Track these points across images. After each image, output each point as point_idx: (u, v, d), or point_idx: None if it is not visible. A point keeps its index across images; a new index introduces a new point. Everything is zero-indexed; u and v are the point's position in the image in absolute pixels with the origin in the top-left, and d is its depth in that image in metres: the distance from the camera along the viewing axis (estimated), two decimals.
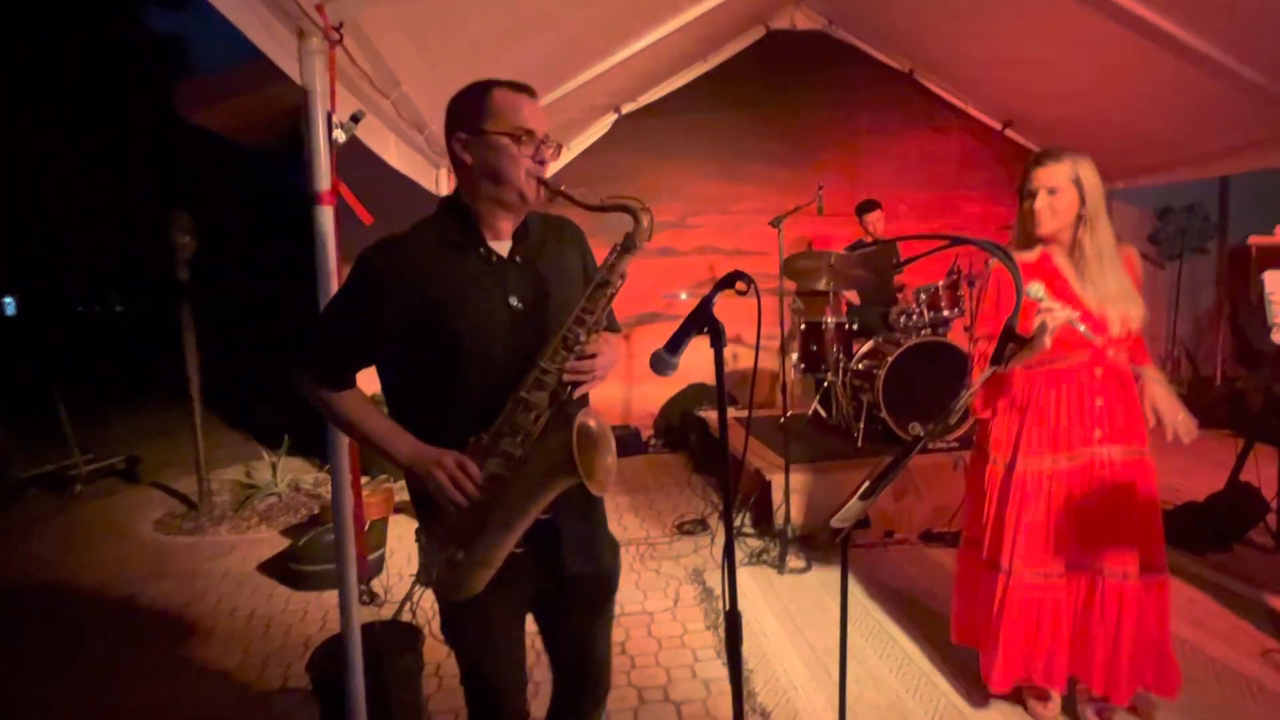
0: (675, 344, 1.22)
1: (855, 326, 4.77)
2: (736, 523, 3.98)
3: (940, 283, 4.44)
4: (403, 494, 4.17)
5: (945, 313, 4.41)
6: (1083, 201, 1.98)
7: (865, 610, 3.05)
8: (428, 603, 3.03)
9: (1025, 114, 6.10)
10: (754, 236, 5.89)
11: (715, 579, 3.41)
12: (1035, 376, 2.05)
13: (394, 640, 2.24)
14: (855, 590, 3.24)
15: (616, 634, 2.94)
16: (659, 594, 3.30)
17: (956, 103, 6.38)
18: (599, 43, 3.94)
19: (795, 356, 4.89)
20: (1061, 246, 2.05)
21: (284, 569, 3.57)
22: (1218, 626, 2.80)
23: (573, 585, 1.50)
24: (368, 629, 2.14)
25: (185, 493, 5.01)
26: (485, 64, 3.11)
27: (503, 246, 1.42)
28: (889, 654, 2.70)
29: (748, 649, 2.78)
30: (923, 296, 4.43)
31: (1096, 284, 1.99)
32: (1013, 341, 1.21)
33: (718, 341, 1.18)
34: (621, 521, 4.27)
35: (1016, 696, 2.29)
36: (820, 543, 3.71)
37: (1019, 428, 2.09)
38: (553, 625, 1.60)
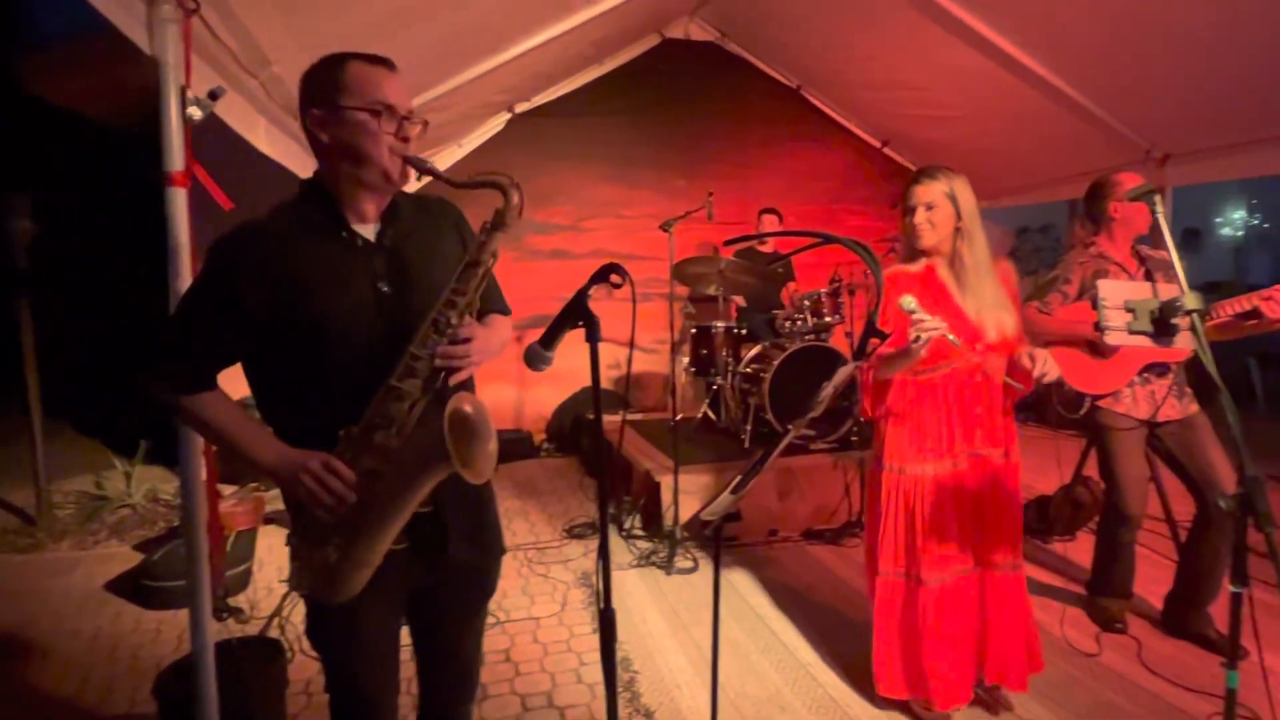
0: (549, 338, 1.20)
1: (743, 331, 4.89)
2: (627, 525, 3.99)
3: (823, 290, 4.63)
4: (275, 503, 3.91)
5: (828, 318, 4.60)
6: (959, 216, 2.09)
7: (749, 606, 3.12)
8: (299, 617, 2.85)
9: (902, 134, 6.48)
10: (647, 241, 5.94)
11: None
12: (922, 385, 2.15)
13: (254, 657, 2.09)
14: (739, 587, 3.30)
15: (501, 642, 2.90)
16: (546, 599, 3.25)
17: (840, 120, 6.69)
18: (488, 38, 3.86)
19: (686, 360, 4.96)
20: (943, 258, 2.16)
21: (135, 586, 3.27)
22: (1058, 609, 3.03)
23: (449, 583, 1.44)
24: (224, 647, 1.99)
25: (22, 506, 4.51)
26: (369, 49, 2.99)
27: (369, 229, 1.35)
28: (770, 648, 2.76)
29: (634, 650, 2.78)
30: (806, 303, 4.60)
31: (976, 293, 2.10)
32: (874, 336, 1.27)
33: (593, 335, 1.16)
34: (511, 527, 4.19)
35: (903, 704, 2.33)
36: (708, 543, 3.77)
37: (909, 434, 2.18)
38: (424, 625, 1.52)
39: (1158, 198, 1.52)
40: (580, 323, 1.17)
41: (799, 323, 4.62)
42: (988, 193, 6.66)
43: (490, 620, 3.03)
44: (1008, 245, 7.14)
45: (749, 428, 4.44)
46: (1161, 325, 1.49)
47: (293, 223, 1.31)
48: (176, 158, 1.74)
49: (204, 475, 1.83)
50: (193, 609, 1.81)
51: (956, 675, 2.15)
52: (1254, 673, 2.49)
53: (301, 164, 3.27)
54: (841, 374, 1.31)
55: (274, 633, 2.77)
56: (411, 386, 1.24)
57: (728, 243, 1.63)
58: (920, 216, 2.09)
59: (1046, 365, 1.95)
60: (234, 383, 1.35)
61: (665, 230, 3.68)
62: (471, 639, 1.57)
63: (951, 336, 1.85)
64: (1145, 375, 2.67)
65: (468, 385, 1.40)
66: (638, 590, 3.30)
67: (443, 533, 1.36)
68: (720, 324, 4.70)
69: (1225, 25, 3.67)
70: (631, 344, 1.28)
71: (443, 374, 1.26)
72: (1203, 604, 2.73)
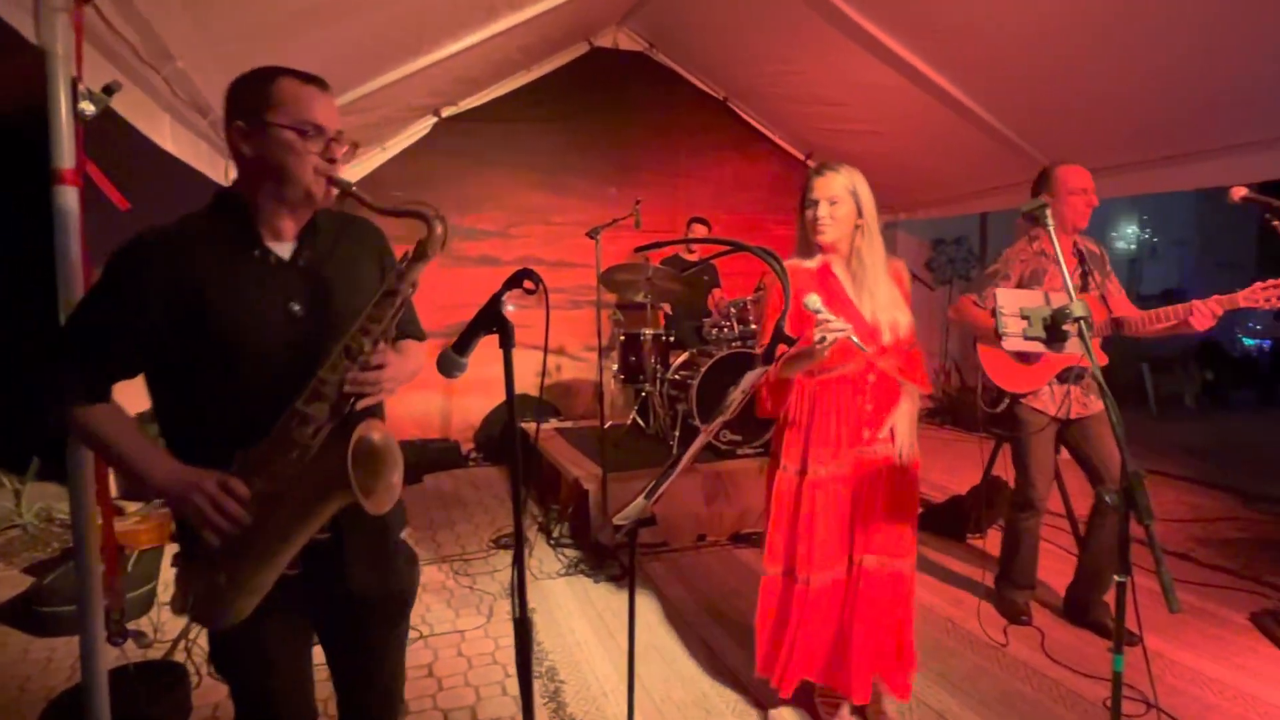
0: (463, 344, 1.18)
1: (672, 338, 4.94)
2: (555, 533, 3.96)
3: (749, 298, 4.72)
4: None
5: (754, 325, 4.69)
6: (860, 212, 2.09)
7: (676, 612, 3.14)
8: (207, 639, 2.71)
9: (824, 147, 6.67)
10: (577, 248, 5.93)
11: (531, 592, 3.35)
12: (817, 384, 2.15)
13: (152, 684, 1.97)
14: (667, 593, 3.32)
15: (424, 656, 2.83)
16: (472, 611, 3.19)
17: (766, 132, 6.85)
18: (410, 40, 3.79)
19: (615, 367, 4.97)
20: (840, 256, 2.14)
21: (25, 612, 3.05)
22: (972, 603, 3.16)
23: (361, 603, 1.40)
24: (119, 674, 1.87)
25: None
26: (282, 47, 2.89)
27: (284, 248, 1.31)
28: (695, 653, 2.78)
29: (560, 660, 2.76)
30: (732, 310, 4.68)
31: (872, 293, 2.09)
32: (782, 342, 1.30)
33: (507, 342, 1.16)
34: (436, 538, 4.10)
35: (808, 702, 2.35)
36: (638, 551, 3.77)
37: (806, 435, 2.17)
38: (339, 647, 1.48)
39: (1048, 212, 1.60)
40: (494, 329, 1.15)
41: (725, 330, 4.69)
42: (905, 205, 6.96)
43: (413, 634, 2.97)
44: (924, 256, 7.44)
45: (677, 434, 4.48)
46: (1053, 331, 1.58)
47: (203, 234, 1.26)
48: (66, 154, 1.64)
49: (94, 491, 1.73)
50: (84, 633, 1.70)
51: (836, 672, 2.16)
52: (1143, 656, 2.65)
53: (211, 163, 3.14)
54: (749, 378, 1.34)
55: (180, 656, 2.63)
56: (318, 411, 1.20)
57: (639, 249, 1.64)
58: (824, 210, 2.06)
59: (906, 450, 2.07)
60: (135, 396, 1.29)
61: (592, 237, 3.69)
62: (391, 656, 1.53)
63: (856, 339, 1.84)
64: (1063, 377, 2.78)
65: (377, 412, 1.37)
66: (565, 599, 3.28)
67: (339, 562, 1.33)
68: (648, 331, 4.73)
69: (1116, 56, 3.94)
70: (545, 350, 1.28)
71: (351, 400, 1.23)
72: (1101, 593, 2.89)
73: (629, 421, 5.03)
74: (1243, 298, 2.27)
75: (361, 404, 1.24)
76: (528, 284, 1.15)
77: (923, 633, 2.87)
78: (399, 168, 5.61)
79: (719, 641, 2.86)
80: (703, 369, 4.30)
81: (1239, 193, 2.12)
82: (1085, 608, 2.92)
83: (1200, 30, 3.54)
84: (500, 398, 5.91)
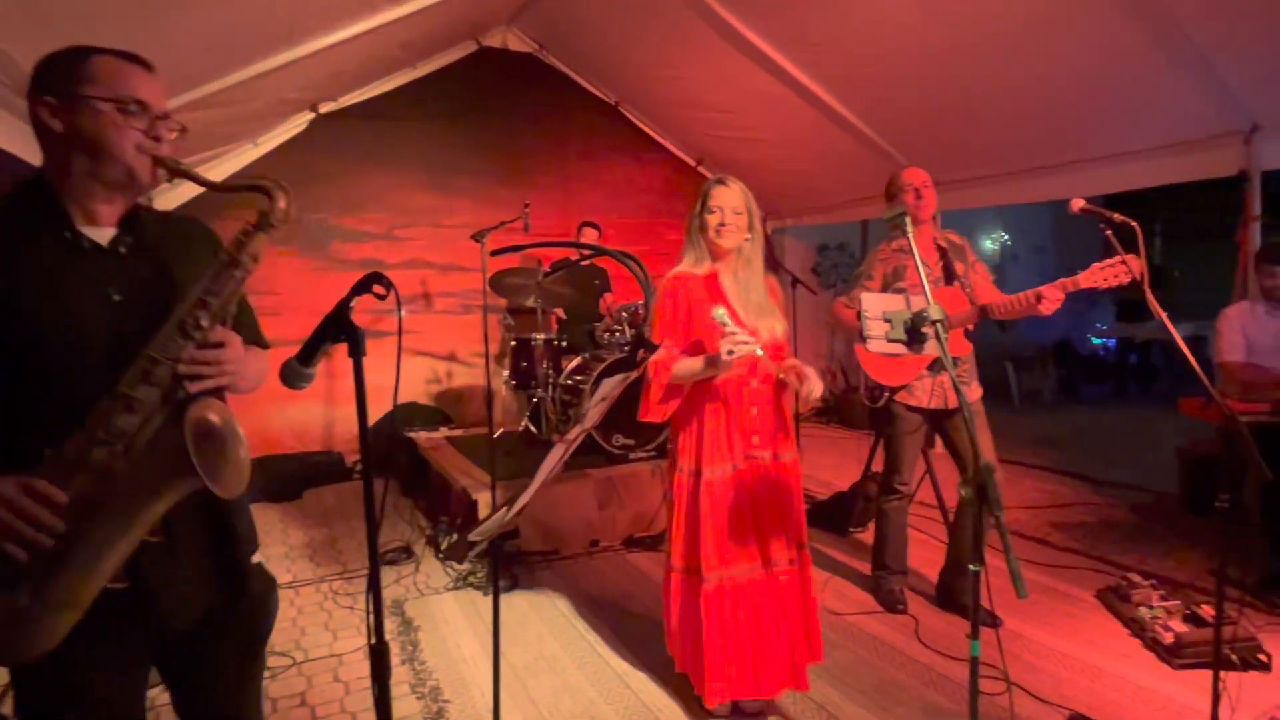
0: (308, 353, 1.10)
1: (564, 343, 4.89)
2: (443, 545, 3.82)
3: (640, 301, 4.73)
4: None
5: (646, 329, 4.70)
6: (751, 226, 2.19)
7: (567, 621, 3.09)
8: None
9: (714, 153, 6.81)
10: (467, 251, 5.76)
11: (417, 608, 3.23)
12: (704, 389, 2.20)
13: None
14: (558, 602, 3.27)
15: (297, 684, 2.66)
16: (352, 632, 3.03)
17: (657, 137, 6.92)
18: (281, 30, 3.57)
19: (506, 373, 4.87)
20: (727, 265, 2.22)
21: None
22: (855, 596, 3.29)
23: (207, 626, 1.26)
24: None
25: None
26: (134, 33, 2.65)
27: (102, 234, 1.19)
28: (586, 662, 2.75)
29: (445, 679, 2.66)
30: (624, 314, 4.68)
31: (754, 302, 2.19)
32: (643, 347, 1.29)
33: (356, 350, 1.08)
34: (315, 557, 3.88)
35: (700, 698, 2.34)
36: (531, 559, 3.71)
37: (698, 438, 2.23)
38: (181, 678, 1.33)
39: (907, 219, 1.67)
40: (343, 337, 1.08)
41: (618, 334, 4.69)
42: (791, 212, 7.19)
43: (285, 661, 2.79)
44: (810, 261, 7.71)
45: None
46: (913, 334, 1.65)
47: (3, 222, 1.13)
48: None
49: None
50: None
51: (736, 671, 2.20)
52: (1005, 636, 2.83)
53: (27, 147, 2.84)
54: (609, 384, 1.32)
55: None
56: (147, 395, 1.08)
57: (494, 253, 1.60)
58: (729, 219, 2.14)
59: (811, 384, 2.09)
60: None
61: (477, 240, 3.59)
62: (246, 691, 1.40)
63: (760, 351, 1.90)
64: (934, 368, 2.92)
65: (218, 396, 1.22)
66: (453, 615, 3.17)
67: (173, 569, 1.20)
68: (540, 336, 4.66)
69: (978, 75, 4.22)
70: (399, 355, 1.20)
71: (184, 384, 1.11)
72: (968, 579, 3.05)
73: (521, 428, 4.94)
74: (1083, 279, 2.43)
75: (196, 387, 1.11)
76: (377, 289, 1.08)
77: None
78: (273, 165, 5.28)
79: (610, 647, 2.84)
80: (595, 373, 4.28)
81: (1078, 204, 2.29)
82: (954, 593, 3.09)
83: (1049, 56, 3.85)
84: (386, 407, 5.70)
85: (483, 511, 3.68)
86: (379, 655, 1.11)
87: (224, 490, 1.08)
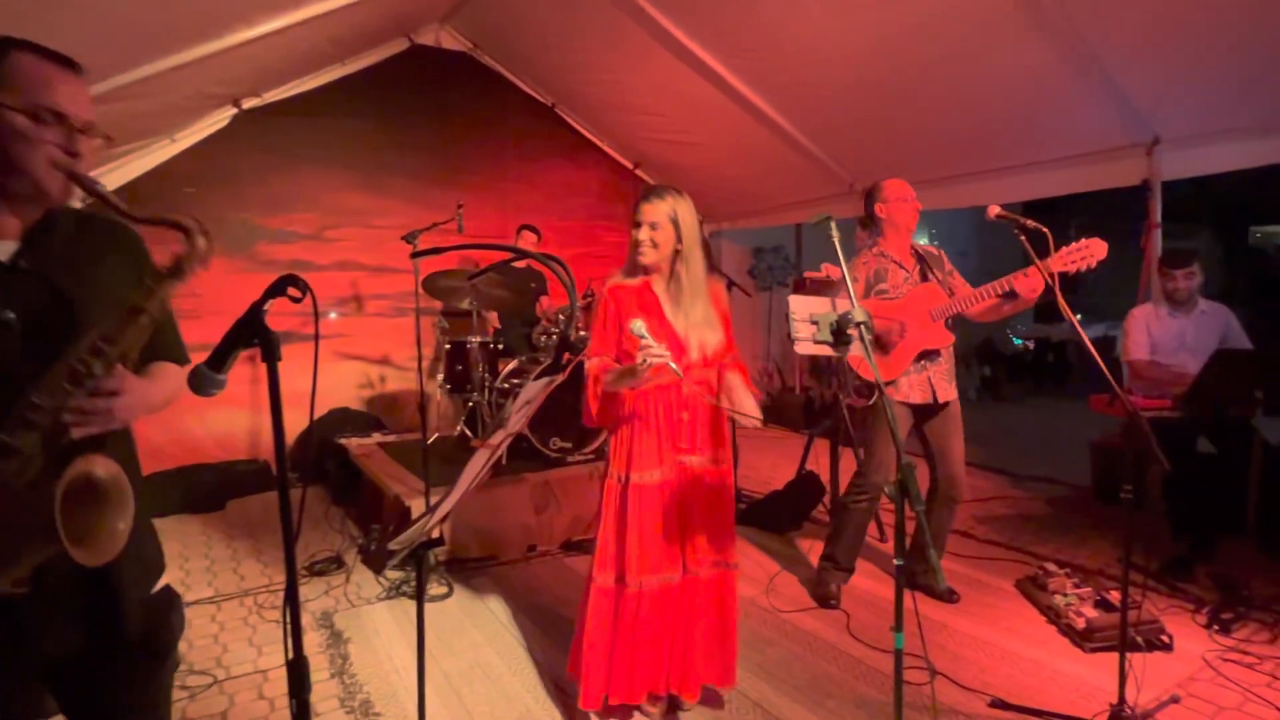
0: (219, 359, 1.05)
1: (500, 346, 4.83)
2: (362, 553, 3.72)
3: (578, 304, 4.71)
4: None
5: (584, 332, 4.69)
6: (679, 238, 2.19)
7: (503, 628, 3.05)
8: None
9: (651, 157, 6.85)
10: (400, 253, 5.61)
11: (347, 620, 3.13)
12: (635, 396, 2.22)
13: None
14: (495, 608, 3.23)
15: (218, 704, 2.55)
16: (277, 647, 2.91)
17: (594, 140, 6.90)
18: (197, 21, 3.42)
19: (441, 377, 4.78)
20: (661, 276, 2.24)
21: None
22: (791, 593, 3.35)
23: (93, 654, 1.19)
24: None
25: None
26: (34, 22, 2.50)
27: (3, 248, 1.11)
28: (520, 669, 2.72)
29: (377, 691, 2.59)
30: (561, 317, 4.66)
31: (686, 313, 2.20)
32: (567, 350, 1.28)
33: (270, 355, 1.04)
34: (239, 570, 3.73)
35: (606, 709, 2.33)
36: (466, 567, 3.65)
37: (629, 443, 2.24)
38: (74, 704, 1.25)
39: (832, 224, 1.72)
40: (255, 341, 1.04)
41: (555, 336, 4.66)
42: (727, 215, 7.29)
43: (205, 679, 2.68)
44: (746, 264, 7.83)
45: (506, 444, 4.38)
46: (839, 335, 1.69)
47: None
48: None
49: None
50: None
51: (654, 674, 2.23)
52: (931, 627, 2.94)
53: None
54: (532, 388, 1.32)
55: None
56: (26, 442, 1.02)
57: (415, 255, 1.57)
58: (644, 234, 2.16)
59: (743, 408, 2.17)
60: None
61: (409, 241, 3.52)
62: (145, 717, 1.33)
63: (674, 365, 1.94)
64: (921, 363, 3.00)
65: (109, 443, 1.15)
66: (385, 625, 3.09)
67: (46, 616, 1.13)
68: (475, 339, 4.59)
69: (907, 90, 4.36)
70: (315, 361, 1.17)
71: (68, 431, 1.05)
72: (924, 564, 3.09)
73: (457, 433, 4.85)
74: (1055, 261, 2.53)
75: (80, 433, 1.06)
76: (293, 291, 1.04)
77: (741, 624, 2.99)
78: (193, 162, 5.07)
79: (545, 653, 2.82)
80: (534, 376, 4.23)
81: (993, 211, 2.40)
82: (913, 575, 3.15)
83: (969, 71, 4.01)
84: (316, 412, 5.54)
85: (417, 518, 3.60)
86: (297, 671, 1.07)
87: (87, 557, 1.01)
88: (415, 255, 1.59)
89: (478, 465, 1.28)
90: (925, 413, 3.08)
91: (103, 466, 1.04)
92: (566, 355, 1.29)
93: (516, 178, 6.59)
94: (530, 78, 6.45)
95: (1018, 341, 10.38)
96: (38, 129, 1.07)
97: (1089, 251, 2.38)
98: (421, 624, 1.41)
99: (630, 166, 7.06)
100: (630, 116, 6.21)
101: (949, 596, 3.19)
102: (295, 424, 5.59)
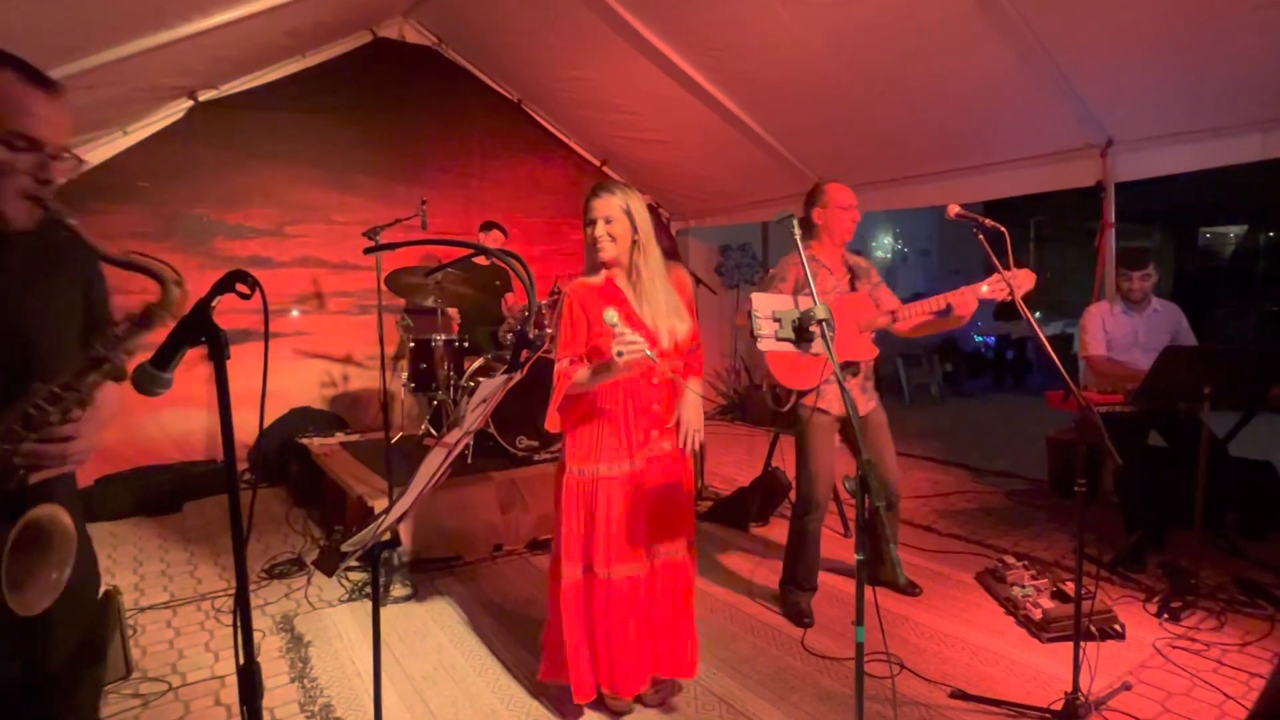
0: (164, 358, 1.02)
1: (465, 344, 4.78)
2: (312, 555, 3.66)
3: (543, 302, 4.68)
4: None
5: (549, 330, 4.66)
6: (635, 229, 2.18)
7: (467, 629, 3.02)
8: None
9: (618, 154, 6.83)
10: (361, 249, 5.56)
11: (308, 623, 3.08)
12: (601, 390, 2.20)
13: None
14: (459, 609, 3.20)
15: (173, 711, 2.49)
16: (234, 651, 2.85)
17: (561, 136, 6.86)
18: (150, 10, 3.32)
19: (405, 375, 4.72)
20: (622, 270, 2.23)
21: None
22: (755, 588, 3.37)
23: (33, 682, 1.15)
24: None
25: None
26: None
27: None
28: (485, 670, 2.69)
29: (338, 695, 2.55)
30: (526, 314, 4.62)
31: (651, 302, 2.20)
32: (525, 348, 1.27)
33: (218, 353, 1.02)
34: (196, 574, 3.64)
35: (597, 700, 2.34)
36: (430, 567, 3.60)
37: (596, 436, 2.22)
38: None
39: (795, 221, 1.73)
40: (203, 339, 1.01)
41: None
42: (695, 213, 7.31)
43: (160, 686, 2.61)
44: (714, 262, 7.86)
45: (471, 443, 4.34)
46: (801, 333, 1.70)
47: None
48: None
49: None
50: None
51: (635, 663, 2.24)
52: (893, 620, 2.98)
53: None
54: (489, 386, 1.30)
55: None
56: None
57: (368, 250, 1.55)
58: (600, 230, 2.15)
59: (693, 437, 2.26)
60: None
61: (370, 238, 3.46)
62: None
63: (650, 353, 1.93)
64: (844, 372, 2.98)
65: (60, 486, 1.12)
66: (348, 627, 3.04)
67: None
68: (440, 337, 4.54)
69: (871, 92, 4.41)
70: (265, 359, 1.14)
71: (20, 474, 1.01)
72: (882, 564, 3.14)
73: (421, 432, 4.80)
74: (985, 284, 2.58)
75: (36, 478, 1.03)
76: (241, 287, 1.01)
77: (708, 620, 3.01)
78: (146, 155, 4.92)
79: (511, 652, 2.80)
80: (498, 375, 4.20)
81: (953, 210, 2.44)
82: (873, 571, 3.18)
83: (931, 73, 4.07)
84: (277, 412, 5.43)
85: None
86: (248, 677, 1.04)
87: (21, 606, 0.98)
88: (369, 251, 1.56)
89: (434, 465, 1.26)
90: (848, 424, 3.10)
91: (57, 511, 1.01)
92: (525, 353, 1.28)
93: (482, 174, 6.52)
94: (496, 73, 6.39)
95: (979, 339, 10.58)
96: (11, 156, 1.03)
97: (1017, 283, 2.43)
98: (377, 626, 1.39)
99: (597, 164, 7.03)
100: (597, 114, 6.18)
101: (911, 590, 3.24)
102: (254, 424, 5.48)
